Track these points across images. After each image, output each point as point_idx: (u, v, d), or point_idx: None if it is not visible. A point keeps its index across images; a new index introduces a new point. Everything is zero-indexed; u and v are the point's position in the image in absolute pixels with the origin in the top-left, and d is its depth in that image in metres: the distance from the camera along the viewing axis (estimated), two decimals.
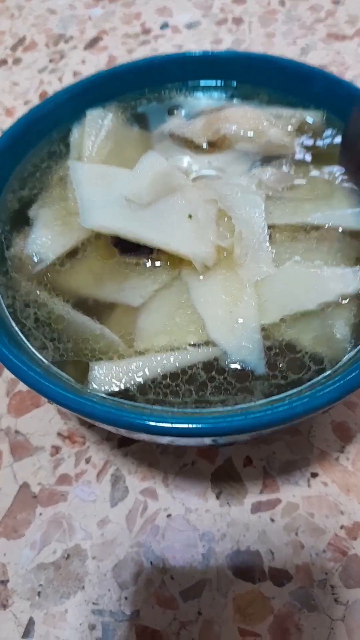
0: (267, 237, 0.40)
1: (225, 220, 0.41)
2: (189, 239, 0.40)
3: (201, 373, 0.37)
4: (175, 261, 0.40)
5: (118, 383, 0.36)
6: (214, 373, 0.37)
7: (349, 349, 0.37)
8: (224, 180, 0.45)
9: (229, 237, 0.40)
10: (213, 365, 0.37)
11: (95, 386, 0.36)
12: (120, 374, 0.36)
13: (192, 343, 0.38)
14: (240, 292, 0.39)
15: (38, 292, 0.41)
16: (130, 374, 0.36)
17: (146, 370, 0.37)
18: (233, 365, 0.37)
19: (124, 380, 0.36)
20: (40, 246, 0.42)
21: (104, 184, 0.42)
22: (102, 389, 0.36)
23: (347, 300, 0.39)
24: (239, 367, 0.37)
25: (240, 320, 0.38)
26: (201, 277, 0.40)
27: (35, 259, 0.42)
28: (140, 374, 0.36)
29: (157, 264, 0.41)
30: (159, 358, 0.37)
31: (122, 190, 0.41)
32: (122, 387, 0.36)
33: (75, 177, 0.44)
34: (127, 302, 0.40)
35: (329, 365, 0.36)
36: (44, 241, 0.42)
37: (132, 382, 0.36)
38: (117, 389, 0.36)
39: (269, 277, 0.39)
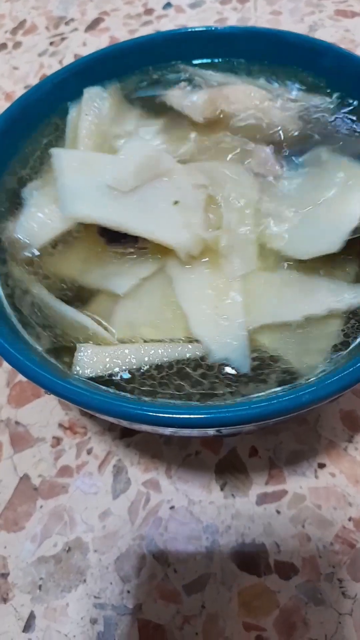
0: (254, 229, 0.39)
1: (216, 207, 0.39)
2: (173, 227, 0.38)
3: (186, 369, 0.35)
4: (162, 250, 0.38)
5: (103, 368, 0.35)
6: (198, 370, 0.35)
7: (321, 368, 0.35)
8: (218, 163, 0.42)
9: (217, 227, 0.38)
10: (199, 363, 0.35)
11: (79, 369, 0.35)
12: (107, 358, 0.35)
13: (181, 338, 0.36)
14: (227, 288, 0.37)
15: (28, 278, 0.40)
16: (116, 360, 0.35)
17: (132, 358, 0.35)
18: (217, 363, 0.35)
19: (109, 366, 0.35)
20: (29, 230, 0.41)
21: (86, 171, 0.40)
22: (86, 372, 0.35)
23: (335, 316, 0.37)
24: (224, 365, 0.35)
25: (225, 317, 0.36)
26: (187, 267, 0.38)
27: (23, 243, 0.41)
28: (127, 360, 0.35)
29: (144, 252, 0.39)
30: (146, 348, 0.36)
31: (105, 177, 0.39)
32: (107, 372, 0.35)
33: (58, 164, 0.41)
34: (113, 290, 0.38)
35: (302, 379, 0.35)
36: (31, 225, 0.41)
37: (118, 369, 0.35)
38: (101, 374, 0.35)
39: (259, 277, 0.38)
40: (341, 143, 0.43)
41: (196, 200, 0.39)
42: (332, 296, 0.37)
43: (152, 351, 0.36)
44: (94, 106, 0.47)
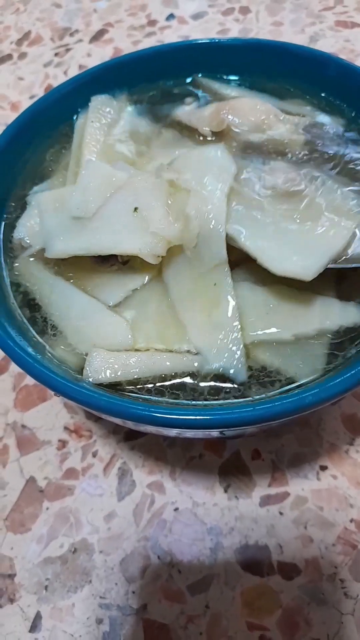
0: (224, 218, 0.37)
1: (186, 196, 0.39)
2: (135, 234, 0.38)
3: (188, 379, 0.36)
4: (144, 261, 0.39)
5: (113, 374, 0.36)
6: (198, 380, 0.36)
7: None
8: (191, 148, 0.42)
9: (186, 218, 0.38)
10: (198, 374, 0.36)
11: (90, 373, 0.36)
12: (116, 365, 0.36)
13: (185, 349, 0.37)
14: (217, 294, 0.37)
15: (32, 276, 0.41)
16: (126, 367, 0.36)
17: (144, 367, 0.36)
18: (213, 372, 0.36)
19: (120, 372, 0.36)
20: (28, 231, 0.42)
21: (59, 207, 0.41)
22: (99, 376, 0.36)
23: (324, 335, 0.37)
24: (220, 374, 0.36)
25: (219, 324, 0.37)
26: (172, 276, 0.39)
27: (24, 243, 0.42)
28: (136, 368, 0.36)
29: (130, 266, 0.40)
30: (158, 357, 0.36)
31: (70, 208, 0.40)
32: (117, 378, 0.36)
33: (39, 209, 0.42)
34: (104, 301, 0.39)
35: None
36: (30, 226, 0.42)
37: (127, 375, 0.36)
38: (112, 380, 0.36)
39: (252, 291, 0.38)
40: (340, 167, 0.43)
41: (156, 197, 0.39)
42: (323, 315, 0.37)
43: (160, 361, 0.36)
44: (101, 113, 0.48)
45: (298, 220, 0.38)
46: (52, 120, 0.49)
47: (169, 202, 0.39)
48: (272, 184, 0.40)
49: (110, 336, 0.37)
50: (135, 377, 0.36)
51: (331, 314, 0.37)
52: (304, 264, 0.36)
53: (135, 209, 0.38)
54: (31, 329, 0.39)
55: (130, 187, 0.39)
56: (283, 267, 0.36)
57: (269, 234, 0.37)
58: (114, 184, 0.39)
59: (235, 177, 0.40)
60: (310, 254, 0.36)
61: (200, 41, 0.52)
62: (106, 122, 0.48)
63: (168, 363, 0.36)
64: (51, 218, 0.41)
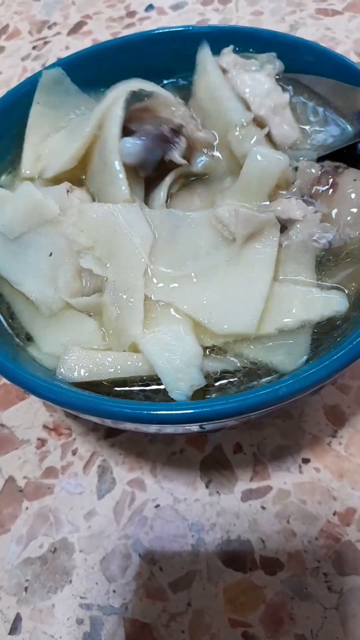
0: (142, 296, 0.36)
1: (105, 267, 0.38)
2: (41, 281, 0.38)
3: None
4: None
5: (87, 372, 0.35)
6: None
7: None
8: (122, 214, 0.38)
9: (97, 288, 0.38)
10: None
11: (64, 371, 0.35)
12: (91, 364, 0.35)
13: None
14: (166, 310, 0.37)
15: None
16: (101, 366, 0.35)
17: (117, 367, 0.35)
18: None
19: (94, 370, 0.35)
20: None
21: None
22: (72, 375, 0.35)
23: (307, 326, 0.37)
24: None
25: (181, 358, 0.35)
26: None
27: None
28: (112, 369, 0.35)
29: None
30: (134, 357, 0.36)
31: (1, 219, 0.39)
32: (91, 377, 0.35)
33: None
34: None
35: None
36: None
37: (102, 375, 0.35)
38: (85, 379, 0.35)
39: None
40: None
41: (69, 256, 0.38)
42: (304, 306, 0.36)
43: (136, 361, 0.36)
44: (48, 91, 0.47)
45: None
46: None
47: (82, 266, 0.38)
48: None
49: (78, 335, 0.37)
50: (110, 377, 0.36)
51: (313, 304, 0.37)
52: (245, 320, 0.35)
53: (51, 254, 0.38)
54: (6, 325, 0.39)
55: (56, 227, 0.38)
56: (227, 327, 0.36)
57: (200, 293, 0.37)
58: (40, 215, 0.38)
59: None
60: (244, 308, 0.36)
61: (173, 29, 0.51)
62: (52, 101, 0.47)
63: (143, 365, 0.36)
64: None
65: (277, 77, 0.46)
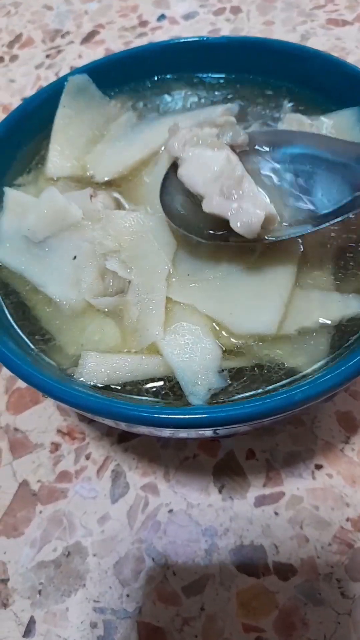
0: (164, 298, 0.37)
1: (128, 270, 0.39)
2: (64, 283, 0.39)
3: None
4: None
5: (105, 376, 0.35)
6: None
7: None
8: (147, 217, 0.40)
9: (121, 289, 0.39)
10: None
11: (82, 375, 0.35)
12: (108, 368, 0.36)
13: None
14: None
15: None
16: (118, 370, 0.36)
17: (136, 369, 0.36)
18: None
19: (111, 375, 0.35)
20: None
21: (21, 214, 0.42)
22: (89, 379, 0.35)
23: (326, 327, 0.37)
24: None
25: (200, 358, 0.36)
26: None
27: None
28: (129, 371, 0.36)
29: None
30: (151, 360, 0.36)
31: (26, 224, 0.41)
32: (109, 380, 0.36)
33: (5, 203, 0.43)
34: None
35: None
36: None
37: (119, 378, 0.36)
38: (103, 381, 0.36)
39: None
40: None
41: (94, 259, 0.39)
42: (323, 308, 0.37)
43: (153, 363, 0.36)
44: (76, 97, 0.48)
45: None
46: (43, 119, 0.49)
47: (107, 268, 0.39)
48: None
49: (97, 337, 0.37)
50: (128, 379, 0.36)
51: (332, 307, 0.37)
52: (264, 320, 0.36)
53: (75, 257, 0.39)
54: (19, 330, 0.39)
55: (79, 231, 0.40)
56: (245, 329, 0.36)
57: (220, 295, 0.38)
58: (62, 220, 0.40)
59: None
60: (264, 309, 0.37)
61: (184, 40, 0.52)
62: (79, 106, 0.48)
63: (159, 368, 0.36)
64: (10, 220, 0.42)
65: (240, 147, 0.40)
